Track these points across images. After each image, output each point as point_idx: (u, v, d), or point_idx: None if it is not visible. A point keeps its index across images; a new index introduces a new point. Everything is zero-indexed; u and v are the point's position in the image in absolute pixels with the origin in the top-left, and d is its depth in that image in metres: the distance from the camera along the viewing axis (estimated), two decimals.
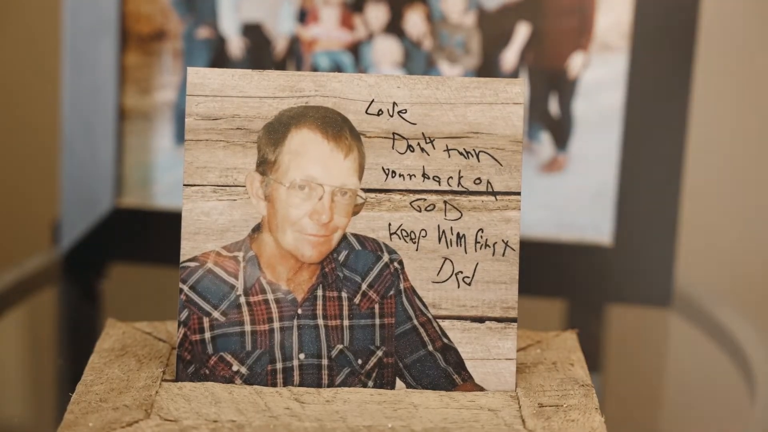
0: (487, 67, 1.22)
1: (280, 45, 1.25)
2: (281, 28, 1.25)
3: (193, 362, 0.79)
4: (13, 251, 1.42)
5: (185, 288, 0.78)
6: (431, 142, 0.79)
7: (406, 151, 0.79)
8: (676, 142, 1.18)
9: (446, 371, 0.80)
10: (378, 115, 0.79)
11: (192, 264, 0.79)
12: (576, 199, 1.21)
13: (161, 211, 1.25)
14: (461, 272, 0.79)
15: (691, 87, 1.16)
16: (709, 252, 1.46)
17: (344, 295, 0.79)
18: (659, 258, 1.19)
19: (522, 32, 1.21)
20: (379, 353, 0.79)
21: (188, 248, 0.79)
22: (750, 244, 1.48)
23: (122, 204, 1.25)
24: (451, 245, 0.79)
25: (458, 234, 0.79)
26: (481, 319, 0.80)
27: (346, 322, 0.79)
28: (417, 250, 0.79)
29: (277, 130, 0.78)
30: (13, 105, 1.52)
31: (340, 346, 0.79)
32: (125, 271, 1.27)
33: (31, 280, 1.22)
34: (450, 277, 0.79)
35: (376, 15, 1.23)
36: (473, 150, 0.79)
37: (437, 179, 0.79)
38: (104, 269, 1.27)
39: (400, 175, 0.79)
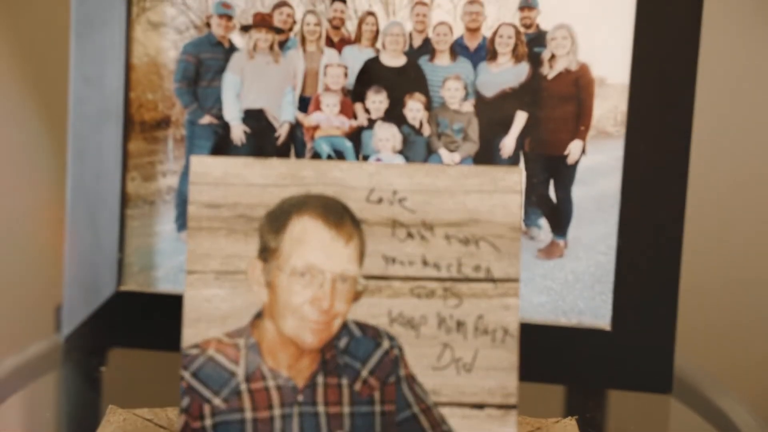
0: (486, 154, 1.23)
1: (282, 131, 1.27)
2: (283, 115, 1.27)
3: None
4: (17, 336, 1.42)
5: (186, 375, 0.79)
6: (431, 229, 0.80)
7: (406, 238, 0.80)
8: (674, 226, 1.18)
9: None
10: (378, 203, 0.80)
11: (193, 351, 0.79)
12: (575, 284, 1.22)
13: (163, 296, 1.25)
14: (461, 359, 0.80)
15: (686, 172, 1.17)
16: (709, 337, 1.46)
17: (344, 381, 0.79)
18: (659, 343, 1.19)
19: (520, 119, 1.22)
20: None
21: (190, 335, 0.79)
22: (750, 329, 1.48)
23: (124, 289, 1.25)
24: (451, 332, 0.80)
25: (458, 321, 0.80)
26: (481, 406, 0.80)
27: (346, 409, 0.79)
28: (417, 336, 0.80)
29: (278, 218, 0.79)
30: (18, 191, 1.54)
31: None
32: (127, 356, 1.27)
33: (33, 365, 1.22)
34: (450, 363, 0.80)
35: (377, 102, 1.25)
36: (472, 237, 0.80)
37: (437, 266, 0.80)
38: (106, 354, 1.27)
39: (400, 262, 0.80)
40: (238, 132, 1.27)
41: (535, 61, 1.22)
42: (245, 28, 1.25)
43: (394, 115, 1.24)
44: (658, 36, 1.17)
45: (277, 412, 0.79)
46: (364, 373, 0.79)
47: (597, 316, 1.21)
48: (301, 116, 1.27)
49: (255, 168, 0.80)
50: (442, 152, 1.24)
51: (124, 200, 1.26)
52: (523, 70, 1.23)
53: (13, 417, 1.16)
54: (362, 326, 0.80)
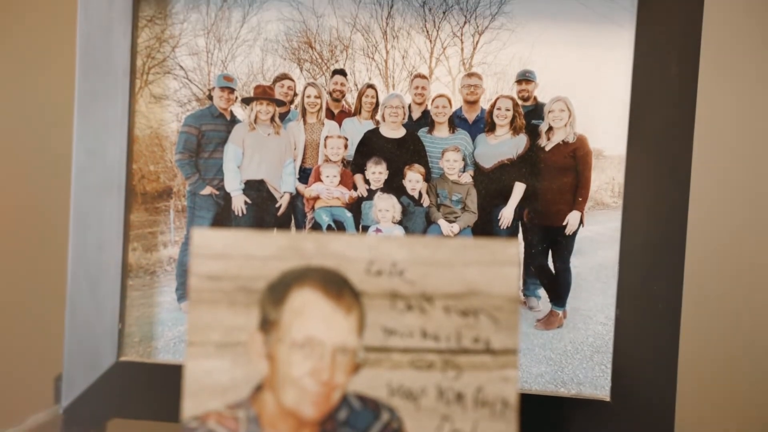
0: (485, 224, 1.24)
1: (283, 201, 1.28)
2: (284, 186, 1.28)
3: None
4: (16, 407, 1.42)
5: None
6: (430, 301, 0.80)
7: (406, 310, 0.80)
8: (672, 296, 1.18)
9: None
10: (378, 275, 0.80)
11: (193, 423, 0.79)
12: (574, 354, 1.22)
13: (163, 366, 1.25)
14: (460, 431, 0.80)
15: (684, 243, 1.18)
16: (709, 408, 1.45)
17: None
18: (659, 414, 1.18)
19: (518, 190, 1.23)
20: None
21: (190, 407, 0.79)
22: (749, 399, 1.47)
23: (125, 359, 1.25)
24: (450, 404, 0.80)
25: (457, 393, 0.80)
26: None
27: None
28: (417, 409, 0.80)
29: (278, 290, 0.79)
30: (20, 260, 1.54)
31: None
32: (126, 426, 1.27)
33: None
34: None
35: (376, 173, 1.26)
36: (471, 309, 0.80)
37: (436, 338, 0.80)
38: (105, 425, 1.26)
39: (399, 334, 0.80)
40: (239, 202, 1.28)
41: (533, 133, 1.23)
42: (246, 101, 1.27)
43: (394, 185, 1.25)
44: (654, 108, 1.18)
45: None
46: None
47: (596, 386, 1.21)
48: (301, 187, 1.28)
49: (255, 240, 0.80)
50: (442, 223, 1.25)
51: (125, 270, 1.26)
52: (521, 141, 1.24)
53: None
54: (362, 398, 0.80)
